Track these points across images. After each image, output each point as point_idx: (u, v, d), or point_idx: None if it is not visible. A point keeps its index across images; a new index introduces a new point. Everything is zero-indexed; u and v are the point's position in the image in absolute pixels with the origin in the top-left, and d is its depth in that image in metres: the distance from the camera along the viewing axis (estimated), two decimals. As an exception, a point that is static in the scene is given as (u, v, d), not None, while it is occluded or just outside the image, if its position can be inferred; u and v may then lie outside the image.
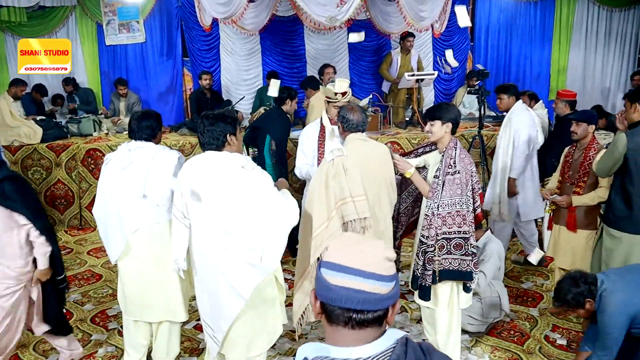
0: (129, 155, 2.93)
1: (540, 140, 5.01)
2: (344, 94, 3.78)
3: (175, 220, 2.65)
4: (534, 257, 4.48)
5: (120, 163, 2.93)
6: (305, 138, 4.02)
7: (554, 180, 4.15)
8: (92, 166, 6.19)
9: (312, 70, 7.89)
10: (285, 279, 4.55)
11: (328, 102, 3.86)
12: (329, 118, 3.91)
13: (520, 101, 4.79)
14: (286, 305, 3.39)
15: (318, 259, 2.76)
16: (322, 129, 3.99)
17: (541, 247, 4.90)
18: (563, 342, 3.76)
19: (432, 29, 7.23)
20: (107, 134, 6.81)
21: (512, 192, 4.69)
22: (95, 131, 6.78)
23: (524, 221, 4.85)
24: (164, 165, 2.88)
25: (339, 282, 1.12)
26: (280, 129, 5.07)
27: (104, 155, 6.10)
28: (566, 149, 4.04)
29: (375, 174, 2.86)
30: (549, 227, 4.14)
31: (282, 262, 4.98)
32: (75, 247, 5.74)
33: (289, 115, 5.30)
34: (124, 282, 3.11)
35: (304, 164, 3.98)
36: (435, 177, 2.96)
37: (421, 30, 6.89)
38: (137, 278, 3.03)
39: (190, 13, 7.22)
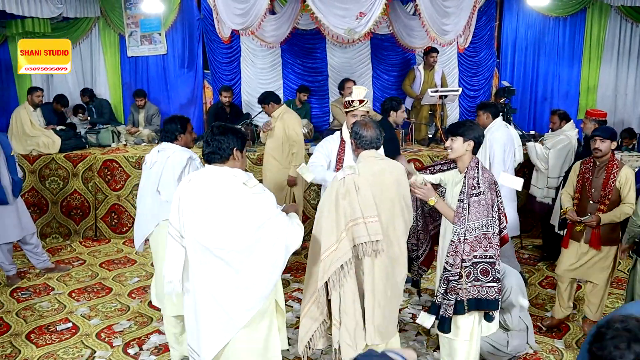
0: (156, 155, 3.41)
1: (518, 158, 5.02)
2: (361, 101, 3.65)
3: (170, 239, 2.50)
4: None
5: (149, 162, 3.43)
6: (325, 145, 3.88)
7: (568, 199, 4.07)
8: (109, 177, 6.15)
9: (333, 84, 7.79)
10: (297, 299, 4.43)
11: (347, 112, 3.74)
12: (349, 131, 3.76)
13: (499, 119, 4.84)
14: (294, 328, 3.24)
15: (326, 283, 2.60)
16: (342, 142, 3.85)
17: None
18: None
19: (457, 44, 7.05)
20: (125, 145, 6.79)
21: None
22: (113, 142, 6.77)
23: None
24: (174, 165, 3.28)
25: None
26: (385, 141, 4.73)
27: (120, 166, 6.08)
28: (577, 166, 4.04)
29: (390, 194, 2.68)
30: (564, 245, 4.08)
31: (296, 281, 4.87)
32: (88, 258, 5.67)
33: (395, 126, 5.05)
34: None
35: (317, 163, 3.80)
36: (460, 200, 2.83)
37: (444, 45, 6.73)
38: (159, 271, 3.34)
39: (211, 25, 7.19)
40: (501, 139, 4.60)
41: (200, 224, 2.36)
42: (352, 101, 3.58)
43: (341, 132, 3.88)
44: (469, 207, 2.78)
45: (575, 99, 8.07)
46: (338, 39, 7.18)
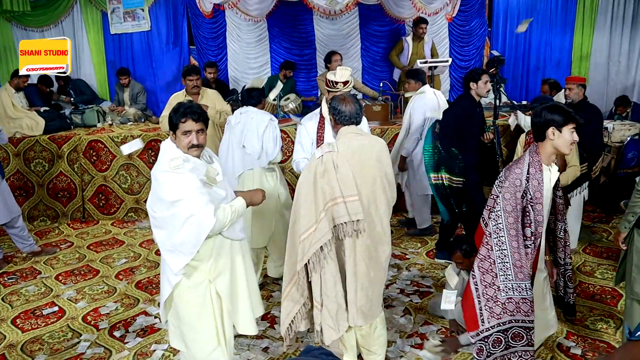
0: (239, 116, 4.17)
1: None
2: (345, 83, 3.53)
3: None
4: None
5: (233, 122, 4.19)
6: (304, 130, 3.78)
7: None
8: (94, 158, 6.06)
9: (321, 57, 7.63)
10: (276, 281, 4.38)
11: (329, 91, 3.62)
12: (328, 107, 3.67)
13: (427, 86, 5.19)
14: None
15: (306, 265, 2.55)
16: (322, 119, 3.75)
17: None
18: (577, 351, 3.50)
19: (445, 13, 6.89)
20: (111, 124, 6.68)
21: (401, 168, 5.21)
22: (99, 122, 6.66)
23: (419, 195, 5.24)
24: (257, 125, 4.09)
25: None
26: (453, 111, 4.60)
27: (105, 147, 5.98)
28: (523, 138, 4.16)
29: (371, 171, 2.60)
30: None
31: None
32: (75, 240, 5.62)
33: (478, 98, 4.70)
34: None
35: (301, 157, 3.74)
36: (559, 196, 2.83)
37: (431, 14, 6.56)
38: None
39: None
40: (422, 107, 5.00)
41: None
42: (336, 82, 3.46)
43: (320, 109, 3.78)
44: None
45: (568, 67, 7.93)
46: (325, 11, 7.02)
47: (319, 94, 7.07)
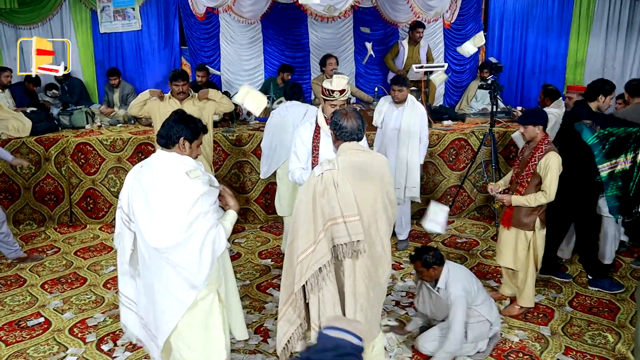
0: (286, 110, 4.75)
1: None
2: (341, 91, 3.43)
3: (119, 221, 2.64)
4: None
5: (281, 114, 4.75)
6: (299, 139, 3.66)
7: (509, 175, 4.05)
8: (83, 161, 5.91)
9: (315, 61, 7.54)
10: (277, 285, 4.28)
11: (325, 99, 3.52)
12: (325, 117, 3.57)
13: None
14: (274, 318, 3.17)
15: (303, 286, 2.45)
16: (317, 129, 3.64)
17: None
18: (577, 367, 3.45)
19: (443, 18, 6.82)
20: (100, 126, 6.52)
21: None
22: (87, 123, 6.50)
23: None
24: (295, 116, 4.61)
25: None
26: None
27: (94, 149, 5.84)
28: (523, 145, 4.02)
29: (372, 190, 2.50)
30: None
31: (277, 267, 4.72)
32: (62, 246, 5.48)
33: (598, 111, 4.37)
34: None
35: (297, 167, 3.64)
36: None
37: (430, 21, 6.49)
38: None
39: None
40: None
41: (142, 215, 2.45)
42: (333, 91, 3.36)
43: (316, 118, 3.67)
44: None
45: (562, 73, 7.90)
46: (317, 16, 6.95)
47: (313, 97, 6.98)
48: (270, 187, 5.77)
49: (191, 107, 4.71)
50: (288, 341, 2.57)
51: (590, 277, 4.50)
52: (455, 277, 3.36)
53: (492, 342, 3.56)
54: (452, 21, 6.58)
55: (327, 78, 6.63)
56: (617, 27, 7.68)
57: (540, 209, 3.78)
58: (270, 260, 5.03)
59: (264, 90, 6.98)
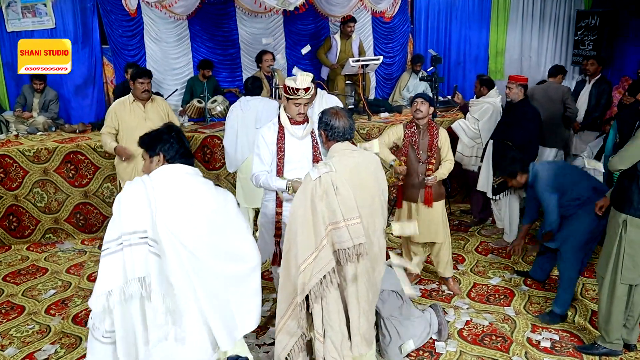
0: (248, 103, 4.80)
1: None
2: (306, 89, 3.29)
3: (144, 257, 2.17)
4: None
5: (242, 109, 4.78)
6: (262, 140, 3.47)
7: (387, 154, 4.19)
8: (2, 176, 5.31)
9: (247, 57, 7.33)
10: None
11: (288, 98, 3.35)
12: (288, 117, 3.41)
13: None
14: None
15: (307, 297, 2.33)
16: (281, 129, 3.48)
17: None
18: (547, 344, 3.60)
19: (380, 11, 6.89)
20: (17, 135, 5.90)
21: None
22: (2, 133, 5.86)
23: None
24: (269, 108, 4.74)
25: None
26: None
27: (15, 162, 5.28)
28: (401, 129, 4.18)
29: (369, 190, 2.42)
30: (399, 206, 4.31)
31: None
32: (-14, 272, 4.91)
33: None
34: None
35: (261, 170, 3.44)
36: None
37: (377, 14, 6.53)
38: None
39: (108, -6, 6.40)
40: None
41: (196, 230, 2.21)
42: (297, 89, 3.20)
43: (279, 118, 3.51)
44: None
45: (485, 62, 8.28)
46: (246, 10, 6.78)
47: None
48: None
49: (156, 112, 4.66)
50: (288, 354, 2.43)
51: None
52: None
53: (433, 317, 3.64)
54: (393, 14, 6.63)
55: (265, 75, 6.52)
56: (531, 18, 8.18)
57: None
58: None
59: (189, 91, 6.67)
